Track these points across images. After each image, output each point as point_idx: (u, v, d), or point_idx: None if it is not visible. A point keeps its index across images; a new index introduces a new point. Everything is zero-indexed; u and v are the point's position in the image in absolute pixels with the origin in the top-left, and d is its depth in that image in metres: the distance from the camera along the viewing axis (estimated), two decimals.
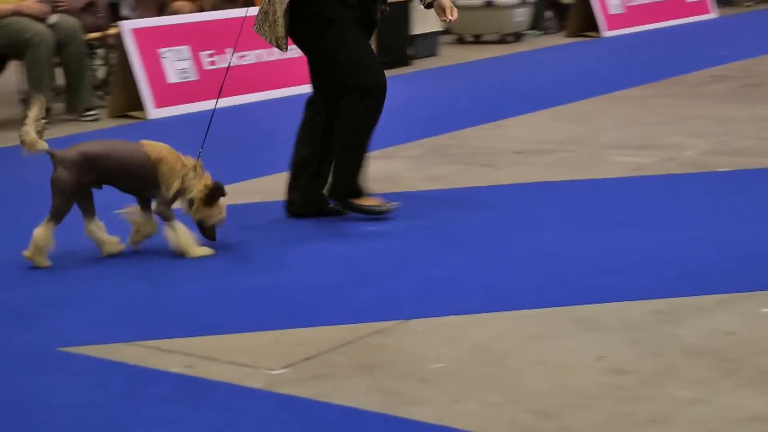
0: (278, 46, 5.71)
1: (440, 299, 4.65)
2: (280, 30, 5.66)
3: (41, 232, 5.18)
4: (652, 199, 6.08)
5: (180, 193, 5.30)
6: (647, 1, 14.70)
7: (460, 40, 13.92)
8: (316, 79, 5.96)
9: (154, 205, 5.35)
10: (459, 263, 5.13)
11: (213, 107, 5.67)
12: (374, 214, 5.84)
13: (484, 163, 7.11)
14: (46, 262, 5.22)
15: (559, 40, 13.75)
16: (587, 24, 14.00)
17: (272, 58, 10.11)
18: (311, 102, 5.99)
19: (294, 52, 6.57)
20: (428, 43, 12.48)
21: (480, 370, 3.92)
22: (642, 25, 14.41)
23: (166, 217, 5.31)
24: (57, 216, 5.21)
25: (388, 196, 6.00)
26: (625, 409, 3.55)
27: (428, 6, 5.97)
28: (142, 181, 5.28)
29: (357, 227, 5.72)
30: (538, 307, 4.52)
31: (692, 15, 15.13)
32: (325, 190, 5.84)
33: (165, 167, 5.26)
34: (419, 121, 8.70)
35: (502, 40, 13.86)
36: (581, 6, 14.05)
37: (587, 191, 6.29)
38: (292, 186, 5.99)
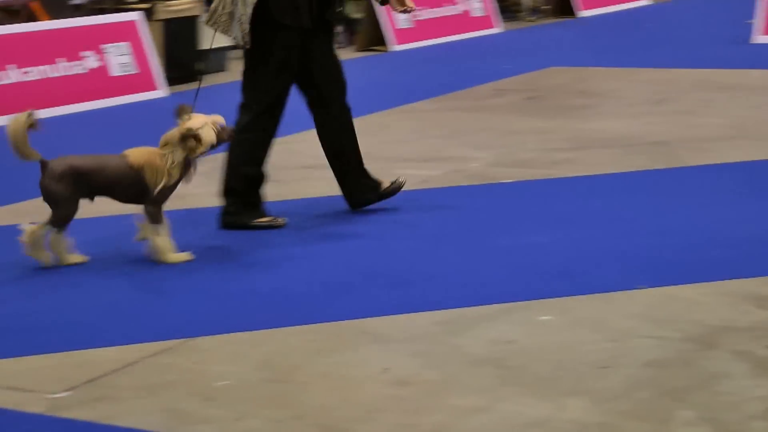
0: (243, 42, 5.79)
1: (227, 316, 4.65)
2: (246, 27, 5.74)
3: (32, 228, 5.38)
4: (438, 212, 6.20)
5: (169, 188, 5.43)
6: (434, 16, 15.00)
7: None
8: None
9: (144, 207, 5.47)
10: (245, 279, 5.13)
11: None
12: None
13: (271, 179, 7.11)
14: (45, 256, 5.39)
15: (349, 54, 13.88)
16: (376, 38, 14.19)
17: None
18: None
19: None
20: (217, 59, 12.43)
21: (266, 386, 3.93)
22: (429, 39, 14.68)
23: (154, 218, 5.44)
24: (53, 223, 5.39)
25: (176, 213, 5.95)
26: (408, 420, 3.62)
27: (384, 2, 6.13)
28: (133, 190, 5.45)
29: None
30: (326, 320, 4.56)
31: (478, 29, 15.49)
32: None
33: (149, 171, 5.41)
34: None
35: None
36: (370, 20, 14.23)
37: (374, 204, 6.36)
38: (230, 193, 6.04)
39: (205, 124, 5.45)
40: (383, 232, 5.80)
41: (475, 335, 4.34)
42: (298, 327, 4.50)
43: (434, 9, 15.06)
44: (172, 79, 11.28)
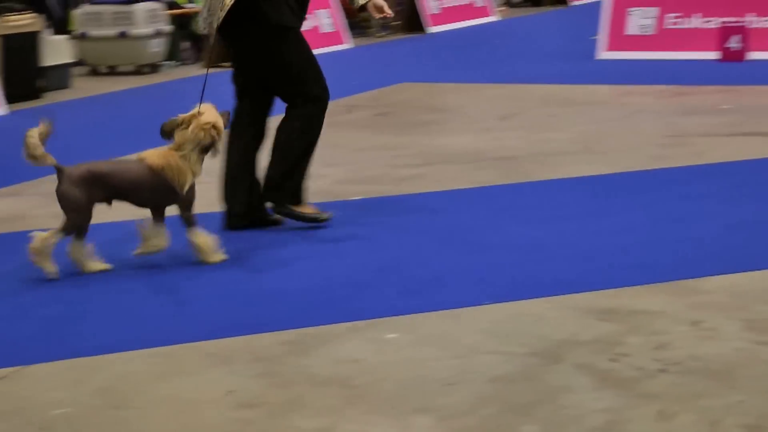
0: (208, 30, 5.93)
1: (63, 341, 4.54)
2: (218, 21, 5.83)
3: (43, 237, 5.32)
4: (282, 230, 6.16)
5: (193, 188, 5.48)
6: None
7: (94, 72, 13.70)
8: (254, 89, 6.10)
9: (179, 212, 5.52)
10: (83, 303, 5.02)
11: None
12: (314, 222, 6.11)
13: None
14: (50, 266, 5.33)
15: (197, 70, 13.77)
16: (225, 55, 14.09)
17: None
18: (238, 113, 6.09)
19: None
20: (59, 75, 12.21)
21: (104, 413, 3.85)
22: None
23: (189, 222, 5.52)
24: (67, 229, 5.37)
25: (17, 235, 5.81)
26: None
27: (361, 9, 6.27)
28: (156, 193, 5.47)
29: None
30: (168, 344, 4.48)
31: (328, 45, 15.53)
32: (267, 201, 6.09)
33: (170, 171, 5.43)
34: None
35: (138, 71, 13.75)
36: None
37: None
38: (230, 198, 6.12)
39: (219, 115, 5.54)
40: (241, 253, 5.73)
41: (320, 355, 4.32)
42: (139, 351, 4.42)
43: None
44: (12, 96, 11.03)
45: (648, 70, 12.14)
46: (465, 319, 4.68)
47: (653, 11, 13.21)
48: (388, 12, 6.38)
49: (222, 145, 5.60)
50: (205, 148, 5.49)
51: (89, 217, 5.41)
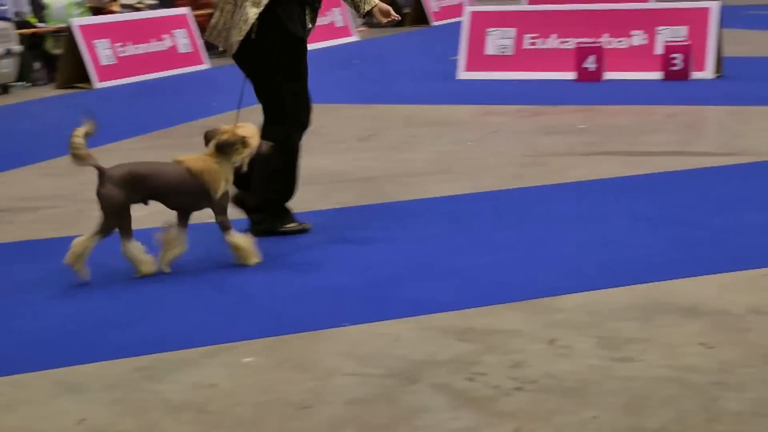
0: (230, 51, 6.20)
1: None
2: (240, 35, 6.10)
3: (81, 241, 5.48)
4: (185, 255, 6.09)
5: (227, 194, 5.73)
6: (140, 52, 14.83)
7: None
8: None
9: (215, 217, 5.73)
10: None
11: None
12: (296, 233, 6.39)
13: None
14: (84, 270, 5.49)
15: (49, 91, 13.56)
16: (78, 75, 13.91)
17: None
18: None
19: None
20: None
21: None
22: (135, 76, 14.51)
23: (226, 226, 5.74)
24: (104, 231, 5.54)
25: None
26: None
27: (366, 14, 6.51)
28: (192, 196, 5.68)
29: None
30: (16, 372, 4.39)
31: (185, 66, 15.44)
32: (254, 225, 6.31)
33: (208, 176, 5.67)
34: None
35: None
36: (71, 56, 13.93)
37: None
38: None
39: (254, 133, 5.80)
40: (96, 278, 5.62)
41: (175, 380, 4.28)
42: None
43: (140, 45, 14.90)
44: None
45: (507, 90, 12.35)
46: (322, 341, 4.69)
47: (511, 32, 13.44)
48: (394, 15, 6.64)
49: (246, 160, 5.77)
50: (228, 153, 5.72)
51: (128, 217, 5.58)
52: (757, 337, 4.56)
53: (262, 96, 6.33)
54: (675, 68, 12.39)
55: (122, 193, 5.52)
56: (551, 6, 15.14)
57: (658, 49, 12.72)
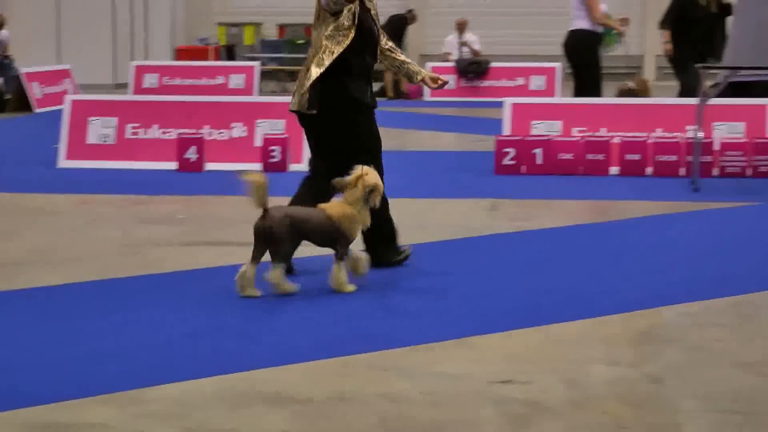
0: (305, 108, 7.34)
1: None
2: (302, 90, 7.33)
3: (273, 273, 6.72)
4: None
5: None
6: None
7: None
8: (322, 159, 7.49)
9: (339, 247, 6.84)
10: None
11: None
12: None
13: None
14: (257, 292, 6.75)
15: None
16: None
17: None
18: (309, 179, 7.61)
19: None
20: None
21: None
22: None
23: (341, 256, 6.86)
24: (283, 258, 6.76)
25: None
26: None
27: (415, 81, 7.78)
28: (332, 237, 6.84)
29: None
30: None
31: None
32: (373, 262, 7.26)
33: (346, 222, 6.83)
34: None
35: None
36: None
37: None
38: None
39: (378, 177, 6.94)
40: None
41: None
42: None
43: None
44: None
45: (108, 179, 12.25)
46: None
47: (113, 121, 13.38)
48: (443, 79, 7.77)
49: (378, 200, 6.92)
50: (366, 199, 6.85)
51: (294, 247, 6.83)
52: (338, 424, 4.73)
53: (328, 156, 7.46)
54: (274, 160, 12.72)
55: (282, 229, 6.65)
56: (154, 96, 15.24)
57: (258, 141, 13.01)
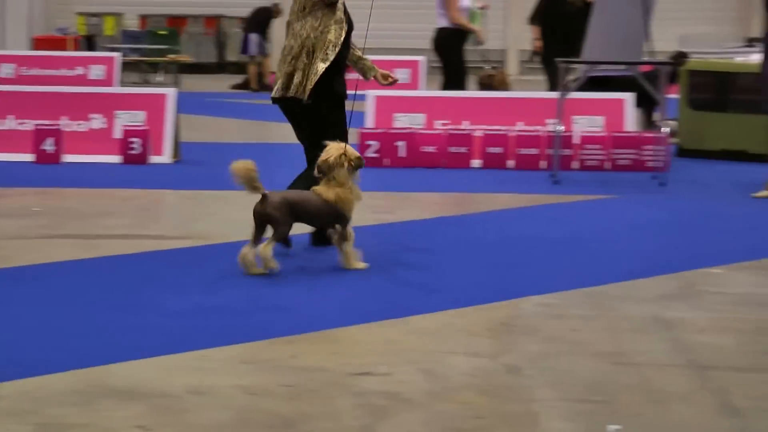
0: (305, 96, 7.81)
1: None
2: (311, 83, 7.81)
3: (264, 247, 7.08)
4: None
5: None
6: None
7: None
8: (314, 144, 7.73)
9: (340, 228, 7.26)
10: None
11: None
12: None
13: None
14: (259, 270, 7.12)
15: None
16: None
17: None
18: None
19: None
20: None
21: None
22: None
23: (346, 237, 7.24)
24: (280, 237, 7.20)
25: None
26: None
27: (368, 78, 8.23)
28: (330, 218, 7.25)
29: None
30: None
31: None
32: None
33: (342, 203, 7.20)
34: None
35: None
36: None
37: None
38: None
39: (356, 151, 7.34)
40: None
41: None
42: None
43: None
44: None
45: None
46: None
47: None
48: (393, 76, 8.27)
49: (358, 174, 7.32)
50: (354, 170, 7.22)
51: (289, 230, 7.22)
52: (194, 417, 4.70)
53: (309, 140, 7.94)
54: (134, 152, 12.55)
55: (282, 213, 7.05)
56: (10, 87, 14.90)
57: (117, 133, 12.83)
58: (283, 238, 7.27)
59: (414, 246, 8.23)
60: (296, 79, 7.85)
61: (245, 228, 8.54)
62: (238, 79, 25.60)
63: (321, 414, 4.79)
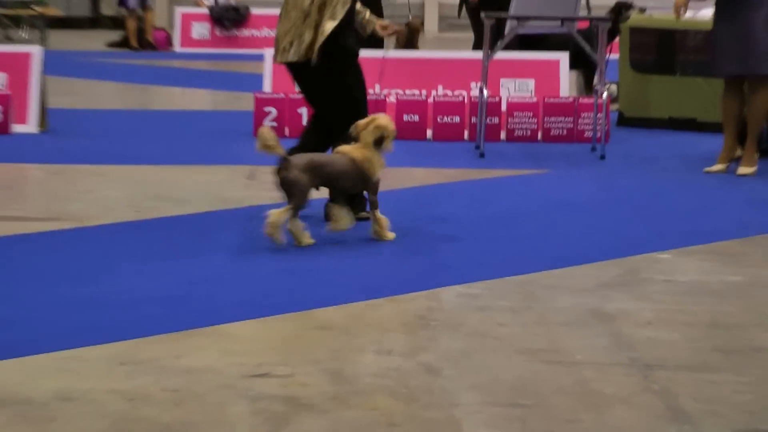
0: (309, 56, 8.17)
1: None
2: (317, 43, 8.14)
3: (276, 212, 7.47)
4: None
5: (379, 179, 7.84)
6: None
7: None
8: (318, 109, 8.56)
9: (369, 196, 7.87)
10: None
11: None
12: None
13: None
14: (282, 239, 7.52)
15: None
16: None
17: None
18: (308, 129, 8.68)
19: None
20: None
21: None
22: None
23: (375, 204, 7.80)
24: (296, 209, 7.52)
25: None
26: None
27: (372, 34, 8.66)
28: (356, 181, 7.77)
29: None
30: None
31: None
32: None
33: (367, 164, 7.71)
34: None
35: None
36: None
37: None
38: None
39: (389, 120, 7.91)
40: None
41: None
42: None
43: None
44: None
45: None
46: None
47: None
48: (394, 27, 8.80)
49: (391, 142, 7.79)
50: (378, 143, 7.73)
51: (308, 198, 7.60)
52: (63, 427, 4.65)
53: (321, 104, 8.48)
54: None
55: (305, 177, 7.49)
56: None
57: None
58: (302, 207, 7.59)
59: (317, 230, 8.22)
60: (306, 38, 8.17)
61: (124, 208, 8.51)
62: (115, 35, 25.34)
63: (210, 422, 4.76)
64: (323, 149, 8.32)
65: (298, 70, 8.33)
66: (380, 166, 7.80)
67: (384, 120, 7.84)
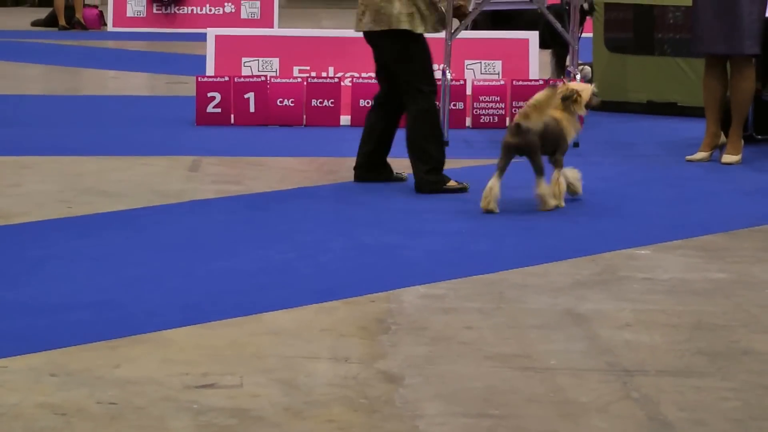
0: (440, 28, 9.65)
1: None
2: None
3: (496, 183, 8.58)
4: None
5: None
6: None
7: None
8: (387, 78, 9.52)
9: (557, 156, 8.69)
10: None
11: None
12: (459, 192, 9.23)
13: None
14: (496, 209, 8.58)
15: None
16: None
17: None
18: (379, 94, 9.68)
19: None
20: None
21: None
22: None
23: (560, 165, 8.66)
24: (542, 170, 8.55)
25: None
26: None
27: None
28: (559, 141, 8.63)
29: None
30: None
31: None
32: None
33: (566, 123, 8.69)
34: None
35: None
36: None
37: None
38: (358, 152, 9.63)
39: (585, 86, 8.94)
40: None
41: None
42: None
43: None
44: None
45: None
46: None
47: None
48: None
49: (581, 107, 8.78)
50: (568, 106, 8.71)
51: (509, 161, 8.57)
52: None
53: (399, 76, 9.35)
54: None
55: (539, 141, 8.40)
56: None
57: None
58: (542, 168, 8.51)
59: (262, 225, 8.21)
60: (383, 8, 9.15)
61: (54, 204, 8.47)
62: (41, 13, 25.20)
63: None
64: (392, 130, 9.45)
65: (371, 40, 9.37)
66: (575, 130, 8.84)
67: (577, 85, 8.99)
